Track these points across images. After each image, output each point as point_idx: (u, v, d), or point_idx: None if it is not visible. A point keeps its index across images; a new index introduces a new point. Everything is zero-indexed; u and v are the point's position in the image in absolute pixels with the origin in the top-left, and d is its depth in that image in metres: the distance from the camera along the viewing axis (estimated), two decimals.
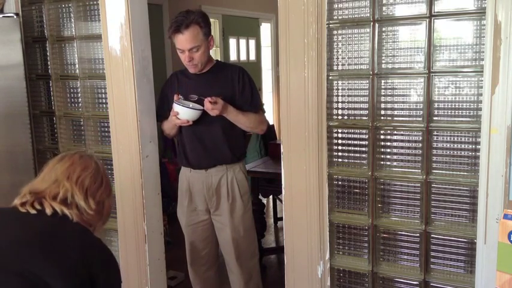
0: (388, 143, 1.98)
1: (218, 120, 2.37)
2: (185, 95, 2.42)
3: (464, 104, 1.83)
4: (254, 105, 2.48)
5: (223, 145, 2.43)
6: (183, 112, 2.30)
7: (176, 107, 2.31)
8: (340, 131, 2.04)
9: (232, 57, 6.37)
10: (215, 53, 5.84)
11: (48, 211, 1.34)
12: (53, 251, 1.27)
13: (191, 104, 2.36)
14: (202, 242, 2.57)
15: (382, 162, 2.00)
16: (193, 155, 2.46)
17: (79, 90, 2.66)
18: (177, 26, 2.27)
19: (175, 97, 2.37)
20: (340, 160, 2.06)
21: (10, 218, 1.36)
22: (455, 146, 1.87)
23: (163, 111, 2.52)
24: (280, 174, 2.15)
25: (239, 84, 2.44)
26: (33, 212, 1.34)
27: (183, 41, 2.28)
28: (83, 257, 1.29)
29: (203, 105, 2.31)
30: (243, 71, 2.48)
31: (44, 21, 2.70)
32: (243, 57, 6.57)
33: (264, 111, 2.57)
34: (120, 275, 1.43)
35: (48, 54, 2.73)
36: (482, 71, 1.72)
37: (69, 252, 1.28)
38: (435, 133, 1.89)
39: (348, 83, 2.00)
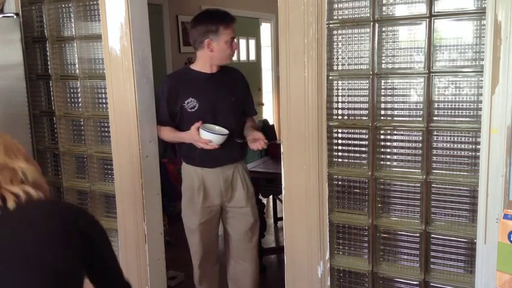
0: (388, 143, 1.98)
1: (234, 126, 2.47)
2: (198, 94, 2.43)
3: (464, 104, 1.83)
4: (253, 107, 2.68)
5: (236, 146, 2.50)
6: (216, 140, 2.36)
7: (208, 136, 2.33)
8: (340, 131, 2.04)
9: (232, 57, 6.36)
10: None
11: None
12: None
13: (217, 127, 2.42)
14: (213, 237, 2.64)
15: (382, 162, 2.00)
16: (210, 156, 2.46)
17: (79, 90, 2.65)
18: (231, 17, 2.42)
19: (199, 124, 2.35)
20: (340, 160, 2.06)
21: None
22: (455, 146, 1.87)
23: (164, 117, 2.49)
24: (280, 174, 2.15)
25: (243, 86, 2.60)
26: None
27: (235, 29, 2.44)
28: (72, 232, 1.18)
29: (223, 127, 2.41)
30: (242, 74, 2.65)
31: (44, 21, 2.70)
32: (243, 57, 6.56)
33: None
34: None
35: (48, 54, 2.73)
36: (482, 71, 1.72)
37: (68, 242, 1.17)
38: (435, 133, 1.89)
39: (348, 83, 2.00)
